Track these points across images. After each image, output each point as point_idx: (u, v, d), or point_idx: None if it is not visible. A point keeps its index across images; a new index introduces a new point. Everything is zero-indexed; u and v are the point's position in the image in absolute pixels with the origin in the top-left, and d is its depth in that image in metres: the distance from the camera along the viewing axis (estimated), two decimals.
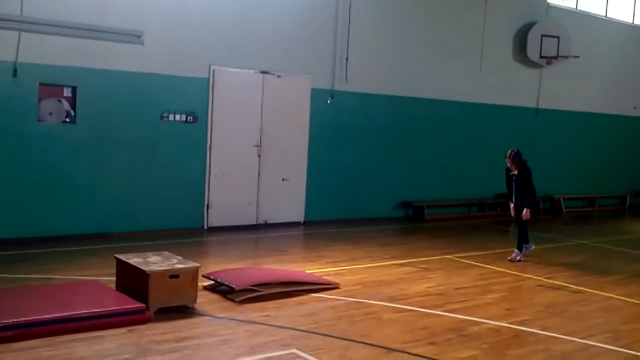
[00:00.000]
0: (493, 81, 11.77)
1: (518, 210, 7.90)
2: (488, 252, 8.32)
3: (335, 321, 5.12)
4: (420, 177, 11.05)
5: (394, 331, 4.93)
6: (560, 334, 5.07)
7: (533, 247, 8.11)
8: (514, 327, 5.19)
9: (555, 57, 12.13)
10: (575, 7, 13.11)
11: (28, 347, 4.20)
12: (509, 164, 7.85)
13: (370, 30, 10.20)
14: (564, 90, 12.91)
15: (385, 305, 5.60)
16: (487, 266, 7.49)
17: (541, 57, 12.08)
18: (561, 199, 13.00)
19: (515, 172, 7.83)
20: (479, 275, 6.98)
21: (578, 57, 12.31)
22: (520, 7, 12.14)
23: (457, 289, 6.36)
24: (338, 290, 6.03)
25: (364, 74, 10.11)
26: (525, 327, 5.22)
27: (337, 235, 9.05)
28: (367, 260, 7.50)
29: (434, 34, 10.96)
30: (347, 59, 9.88)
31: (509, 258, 7.86)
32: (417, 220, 10.83)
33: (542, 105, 12.65)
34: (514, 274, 7.17)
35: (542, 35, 12.02)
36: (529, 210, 7.79)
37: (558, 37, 12.09)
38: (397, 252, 8.04)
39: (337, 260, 7.38)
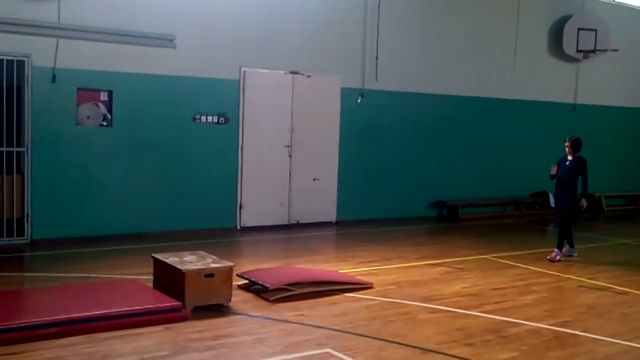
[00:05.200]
0: (528, 77, 11.51)
1: (559, 205, 7.79)
2: (526, 252, 8.13)
3: (369, 321, 5.08)
4: (454, 176, 10.89)
5: (429, 332, 4.86)
6: (603, 336, 4.92)
7: (576, 254, 7.91)
8: (554, 329, 5.05)
9: (593, 51, 11.81)
10: None
11: (70, 343, 4.30)
12: (567, 150, 7.82)
13: (400, 28, 10.11)
14: (603, 85, 12.54)
15: (420, 306, 5.53)
16: (526, 266, 7.32)
17: (578, 51, 11.77)
18: (602, 197, 12.63)
19: (570, 158, 7.77)
20: (517, 276, 6.83)
21: (617, 50, 11.94)
22: (556, 0, 11.86)
23: (494, 289, 6.24)
24: (371, 290, 5.98)
25: (394, 72, 10.03)
26: (567, 328, 5.08)
27: (370, 235, 8.99)
28: (401, 260, 7.43)
29: (466, 29, 10.79)
30: (376, 58, 9.82)
31: (548, 257, 7.67)
32: (452, 220, 10.69)
33: (579, 101, 12.32)
34: (554, 275, 7.00)
35: (579, 29, 11.72)
36: (584, 199, 7.79)
37: (595, 31, 11.77)
38: (431, 252, 7.94)
39: (369, 260, 7.33)
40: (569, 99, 12.23)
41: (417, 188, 10.52)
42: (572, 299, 6.15)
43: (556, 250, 7.72)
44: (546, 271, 7.12)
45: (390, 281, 6.36)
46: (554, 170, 7.85)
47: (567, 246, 7.86)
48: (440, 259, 7.48)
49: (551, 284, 6.62)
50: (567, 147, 7.84)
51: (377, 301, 5.64)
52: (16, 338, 4.24)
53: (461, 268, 7.06)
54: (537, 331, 5.01)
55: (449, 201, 10.85)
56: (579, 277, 6.89)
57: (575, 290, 6.42)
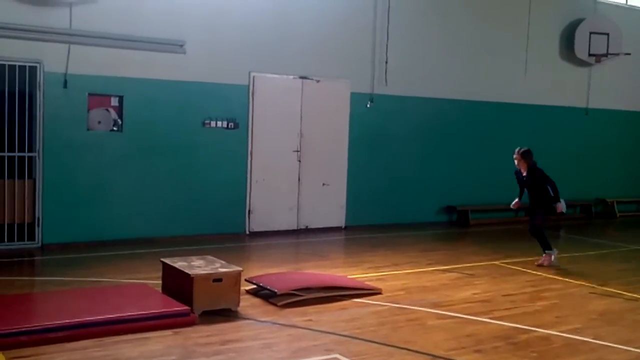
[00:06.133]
0: (539, 81, 11.43)
1: (531, 215, 7.49)
2: (537, 258, 8.02)
3: (378, 327, 5.06)
4: (464, 181, 10.82)
5: (438, 338, 4.83)
6: (614, 343, 4.86)
7: (556, 252, 7.59)
8: (565, 336, 5.00)
9: (605, 55, 11.70)
10: (625, 2, 12.63)
11: (80, 347, 4.32)
12: (516, 163, 7.30)
13: (410, 32, 10.09)
14: (615, 89, 12.42)
15: (429, 312, 5.50)
16: (536, 273, 7.25)
17: (590, 55, 11.67)
18: (614, 203, 12.50)
19: (525, 174, 7.30)
20: (527, 282, 6.77)
21: (629, 54, 11.84)
22: (567, 4, 11.79)
23: (504, 295, 6.19)
24: (380, 295, 5.96)
25: (404, 77, 10.00)
26: (577, 335, 5.02)
27: (379, 240, 8.96)
28: (410, 265, 7.39)
29: (477, 33, 10.75)
30: (386, 62, 9.81)
31: (537, 264, 7.50)
32: (462, 225, 10.62)
33: (592, 105, 12.22)
34: (565, 281, 6.92)
35: (591, 33, 11.62)
36: (560, 203, 7.27)
37: (607, 34, 11.67)
38: (440, 257, 7.89)
39: (379, 265, 7.30)
40: (581, 104, 12.13)
41: (427, 193, 10.47)
42: (583, 305, 6.06)
43: (545, 253, 7.55)
44: (557, 277, 7.04)
45: (399, 287, 6.32)
46: (516, 205, 7.44)
47: (546, 251, 7.54)
48: (450, 265, 7.43)
49: (562, 290, 6.55)
50: (516, 159, 7.30)
51: (386, 307, 5.61)
52: (27, 341, 4.27)
53: (471, 274, 7.01)
54: (548, 338, 4.96)
55: (459, 206, 10.78)
56: (590, 283, 6.81)
57: (586, 296, 6.34)
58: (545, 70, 11.53)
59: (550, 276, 7.09)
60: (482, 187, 11.00)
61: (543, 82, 11.50)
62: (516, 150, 7.37)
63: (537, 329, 5.12)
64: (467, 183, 10.85)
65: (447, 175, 10.68)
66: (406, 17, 9.99)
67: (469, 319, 5.34)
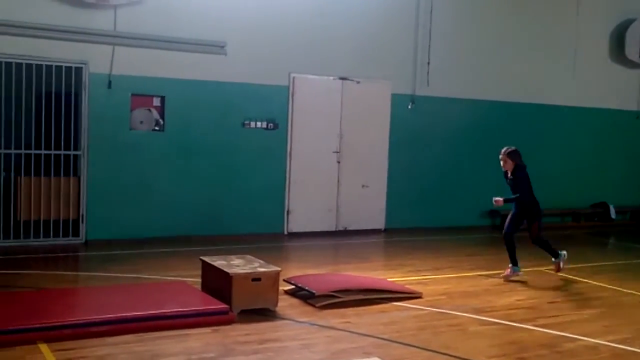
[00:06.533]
0: (588, 83, 11.04)
1: (528, 225, 6.79)
2: (584, 264, 7.76)
3: (418, 331, 4.96)
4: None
5: (480, 344, 4.69)
6: None
7: (521, 273, 6.80)
8: (613, 346, 4.78)
9: None
10: None
11: (121, 341, 4.37)
12: (502, 164, 6.72)
13: (453, 32, 9.90)
14: None
15: (471, 317, 5.35)
16: (584, 280, 6.99)
17: None
18: None
19: (510, 176, 6.70)
20: (574, 289, 6.56)
21: None
22: (617, 4, 11.36)
23: (550, 302, 5.99)
24: (421, 299, 5.84)
25: (446, 78, 9.82)
26: (627, 345, 4.79)
27: (419, 243, 8.81)
28: (451, 270, 7.24)
29: (522, 33, 10.46)
30: (428, 63, 9.66)
31: (502, 276, 6.78)
32: None
33: None
34: (614, 289, 6.64)
35: None
36: (502, 200, 6.64)
37: None
38: (483, 262, 7.70)
39: (419, 269, 7.17)
40: (632, 106, 11.67)
41: (469, 196, 10.23)
42: (633, 314, 5.80)
43: (554, 260, 6.99)
44: (605, 285, 6.77)
45: (440, 291, 6.20)
46: (499, 202, 6.68)
47: (511, 266, 6.81)
48: (493, 270, 7.22)
49: (610, 298, 6.29)
50: (502, 160, 6.70)
51: (427, 311, 5.50)
52: (70, 335, 4.35)
53: (515, 280, 6.81)
54: (595, 347, 4.75)
55: (503, 210, 10.52)
56: None
57: (636, 305, 6.08)
58: (594, 71, 11.14)
59: (599, 284, 6.82)
60: None
61: (592, 84, 11.11)
62: (502, 150, 6.78)
63: (583, 338, 4.92)
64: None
65: (490, 178, 10.36)
66: (449, 17, 9.82)
67: (513, 325, 5.18)
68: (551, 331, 5.07)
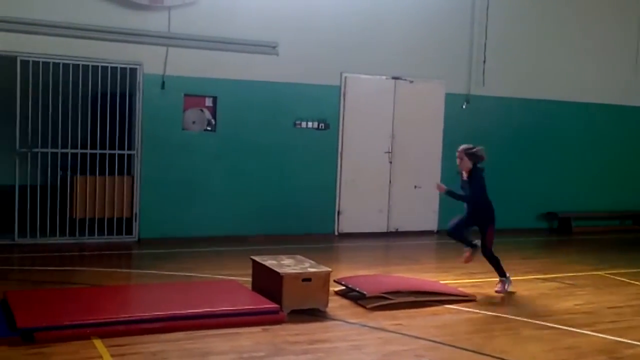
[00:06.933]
0: None
1: (480, 231, 6.10)
2: None
3: (471, 334, 4.81)
4: (567, 187, 10.13)
5: (535, 349, 4.49)
6: None
7: (510, 281, 6.11)
8: None
9: None
10: None
11: (173, 338, 4.37)
12: (459, 162, 5.97)
13: (510, 30, 9.58)
14: None
15: (526, 321, 5.13)
16: None
17: None
18: None
19: (465, 177, 5.98)
20: (635, 294, 6.22)
21: None
22: None
23: (609, 308, 5.71)
24: (474, 303, 5.64)
25: (502, 77, 9.51)
26: None
27: None
28: (507, 273, 6.93)
29: (580, 30, 10.04)
30: (484, 62, 9.37)
31: (495, 291, 6.03)
32: (563, 233, 9.95)
33: None
34: None
35: None
36: (445, 188, 6.00)
37: None
38: (540, 266, 7.42)
39: (473, 272, 6.91)
40: None
41: (526, 198, 9.87)
42: None
43: (500, 280, 6.10)
44: None
45: (494, 295, 5.98)
46: (441, 188, 6.08)
47: (501, 279, 6.11)
48: (550, 274, 6.96)
49: None
50: (458, 158, 5.95)
51: (480, 315, 5.30)
52: (123, 331, 4.38)
53: (573, 284, 6.53)
54: None
55: (561, 213, 10.09)
56: None
57: None
58: None
59: None
60: (586, 193, 10.26)
61: None
62: (461, 147, 6.06)
63: None
64: (570, 189, 10.15)
65: (548, 180, 10.04)
66: (506, 14, 9.51)
67: (570, 330, 4.95)
68: (610, 337, 4.83)
